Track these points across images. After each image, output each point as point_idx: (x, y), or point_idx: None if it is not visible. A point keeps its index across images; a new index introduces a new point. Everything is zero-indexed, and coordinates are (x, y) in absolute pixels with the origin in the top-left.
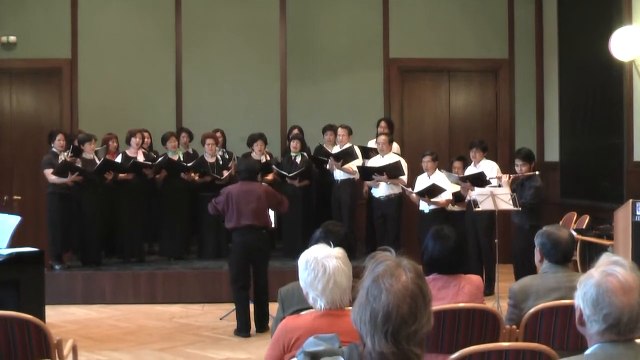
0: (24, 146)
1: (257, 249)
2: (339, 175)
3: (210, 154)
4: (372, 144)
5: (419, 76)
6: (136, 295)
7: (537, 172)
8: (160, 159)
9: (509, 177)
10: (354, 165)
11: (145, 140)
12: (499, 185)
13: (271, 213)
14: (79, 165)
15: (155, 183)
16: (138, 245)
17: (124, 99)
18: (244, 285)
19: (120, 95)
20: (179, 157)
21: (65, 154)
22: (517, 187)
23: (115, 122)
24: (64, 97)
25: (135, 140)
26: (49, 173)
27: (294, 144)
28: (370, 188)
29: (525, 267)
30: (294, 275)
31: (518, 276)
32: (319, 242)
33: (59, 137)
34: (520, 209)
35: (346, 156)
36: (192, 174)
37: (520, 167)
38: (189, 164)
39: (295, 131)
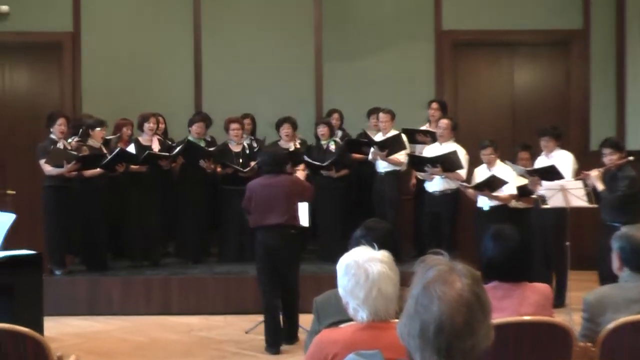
0: (19, 132)
1: (281, 250)
2: (382, 166)
3: (236, 142)
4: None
5: (476, 51)
6: (148, 305)
7: (630, 158)
8: (179, 147)
9: (599, 171)
10: (400, 155)
11: (160, 125)
12: (585, 185)
13: (304, 209)
14: (84, 152)
15: (171, 174)
16: (151, 247)
17: (134, 79)
18: (272, 292)
19: (130, 74)
20: (200, 144)
21: (71, 139)
22: (608, 180)
23: (124, 105)
24: (64, 77)
25: (148, 126)
26: (43, 163)
27: (322, 130)
28: (422, 181)
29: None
30: (332, 282)
31: (604, 284)
32: (360, 243)
33: (60, 121)
34: (597, 205)
35: (392, 145)
36: (212, 164)
37: (608, 157)
38: (211, 149)
39: (336, 116)
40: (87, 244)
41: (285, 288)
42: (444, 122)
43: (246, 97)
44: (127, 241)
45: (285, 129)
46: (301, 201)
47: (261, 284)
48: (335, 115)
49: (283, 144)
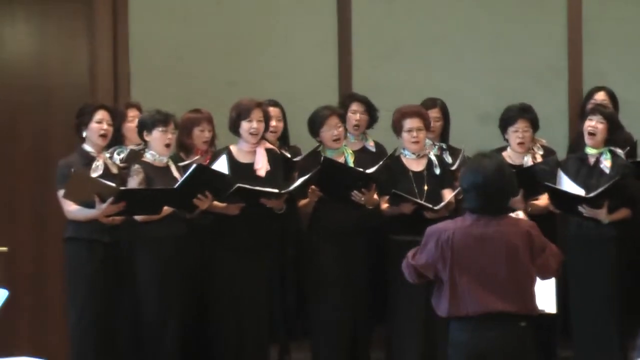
0: (18, 138)
1: None
2: None
3: (416, 152)
4: None
5: None
6: None
7: None
8: (303, 177)
9: None
10: None
11: (274, 123)
12: None
13: (549, 283)
14: (138, 178)
15: (294, 218)
16: (256, 356)
17: (224, 41)
18: None
19: (217, 36)
20: (345, 160)
21: (115, 156)
22: None
23: (202, 87)
24: (98, 37)
25: (249, 127)
26: (63, 197)
27: (593, 125)
28: None
29: None
30: None
31: None
32: None
33: (99, 115)
34: None
35: None
36: (376, 195)
37: None
38: (368, 171)
39: (601, 96)
40: (144, 348)
41: None
42: None
43: (429, 70)
44: (213, 345)
45: (521, 130)
46: (543, 273)
47: None
48: (600, 96)
49: (512, 156)
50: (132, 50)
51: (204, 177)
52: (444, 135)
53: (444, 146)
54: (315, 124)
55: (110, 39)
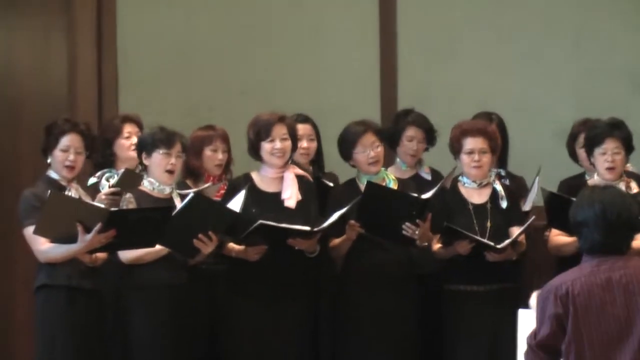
0: None
1: None
2: None
3: (476, 180)
4: None
5: None
6: None
7: None
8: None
9: None
10: None
11: (305, 144)
12: None
13: None
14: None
15: (326, 264)
16: None
17: (239, 41)
18: None
19: (227, 32)
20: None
21: (103, 182)
22: None
23: (211, 98)
24: (79, 35)
25: (271, 148)
26: (32, 234)
27: None
28: None
29: None
30: None
31: None
32: None
33: (66, 141)
34: None
35: None
36: (428, 231)
37: None
38: (424, 196)
39: None
40: None
41: None
42: None
43: (493, 72)
44: None
45: (610, 152)
46: None
47: None
48: None
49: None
50: (121, 51)
51: (206, 211)
52: (502, 159)
53: (502, 172)
54: (346, 144)
55: (94, 37)
